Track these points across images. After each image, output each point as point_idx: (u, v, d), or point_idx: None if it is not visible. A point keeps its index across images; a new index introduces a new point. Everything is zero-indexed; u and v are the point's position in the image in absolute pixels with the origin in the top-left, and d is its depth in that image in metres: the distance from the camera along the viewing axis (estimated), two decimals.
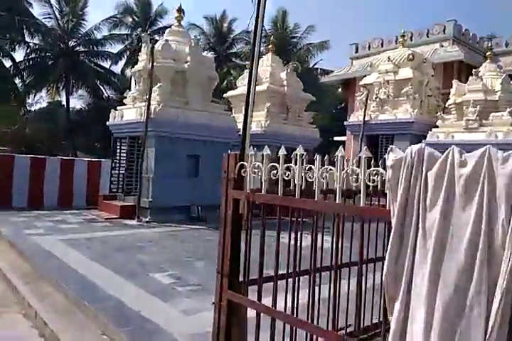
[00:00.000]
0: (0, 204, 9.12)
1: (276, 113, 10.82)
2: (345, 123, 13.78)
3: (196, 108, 9.07)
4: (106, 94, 34.25)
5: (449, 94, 13.39)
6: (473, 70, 11.15)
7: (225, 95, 11.66)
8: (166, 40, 8.93)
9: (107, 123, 9.91)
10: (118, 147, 9.52)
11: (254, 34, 2.66)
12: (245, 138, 2.70)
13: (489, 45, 11.87)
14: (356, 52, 17.95)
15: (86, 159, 11.07)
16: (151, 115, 8.30)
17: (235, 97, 11.54)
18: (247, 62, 11.51)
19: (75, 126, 33.39)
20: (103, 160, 11.17)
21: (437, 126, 12.01)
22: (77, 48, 31.96)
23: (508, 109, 10.30)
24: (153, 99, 8.55)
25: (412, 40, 15.82)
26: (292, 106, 11.10)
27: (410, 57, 12.33)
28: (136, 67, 9.47)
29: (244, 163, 2.38)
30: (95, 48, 32.83)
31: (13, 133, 29.20)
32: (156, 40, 8.59)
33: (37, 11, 30.26)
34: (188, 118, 8.81)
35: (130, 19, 35.14)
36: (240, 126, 3.13)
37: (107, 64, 34.27)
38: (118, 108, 9.82)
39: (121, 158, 9.51)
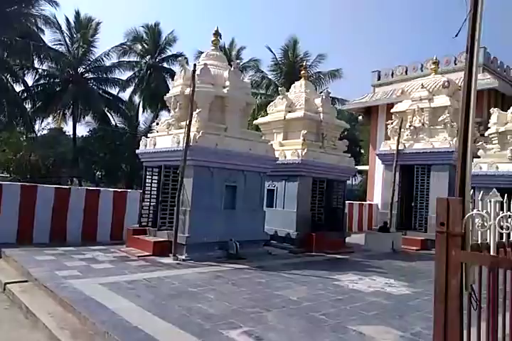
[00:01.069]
0: (20, 240, 8.41)
1: (312, 141, 10.28)
2: (376, 152, 13.27)
3: (235, 135, 8.54)
4: (113, 122, 34.05)
5: (481, 123, 13.00)
6: None
7: (255, 122, 11.15)
8: (205, 64, 8.49)
9: (137, 151, 9.33)
10: (149, 177, 8.88)
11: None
12: (465, 177, 2.07)
13: None
14: (379, 79, 17.74)
15: (111, 189, 10.40)
16: (191, 143, 7.72)
17: (266, 124, 11.04)
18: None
19: (80, 153, 32.94)
20: (129, 190, 10.50)
21: (476, 156, 11.50)
22: (86, 75, 31.98)
23: None
24: (191, 125, 8.00)
25: (438, 68, 15.59)
26: (327, 133, 10.60)
27: (446, 84, 11.99)
28: (171, 92, 8.99)
29: (477, 213, 1.75)
30: (104, 75, 32.85)
31: (18, 160, 28.64)
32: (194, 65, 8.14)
33: (48, 37, 30.40)
34: (226, 146, 8.25)
35: (139, 46, 35.45)
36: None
37: (114, 91, 34.23)
38: (149, 135, 9.28)
39: (152, 188, 8.86)
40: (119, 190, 10.15)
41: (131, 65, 34.61)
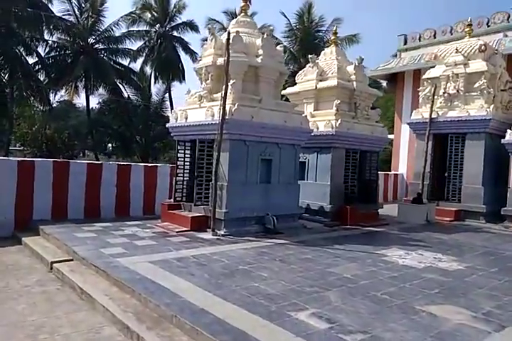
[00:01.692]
0: (55, 216, 8.35)
1: (345, 111, 9.88)
2: (407, 121, 12.82)
3: (269, 107, 8.18)
4: (126, 93, 33.55)
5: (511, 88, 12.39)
6: None
7: (283, 92, 10.73)
8: (237, 32, 8.00)
9: (168, 125, 9.04)
10: (181, 151, 8.64)
11: None
12: None
13: None
14: (405, 44, 16.91)
15: (142, 164, 10.22)
16: (226, 116, 7.41)
17: (295, 94, 10.61)
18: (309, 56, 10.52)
19: (94, 126, 32.73)
20: (159, 165, 10.31)
21: None
22: (97, 46, 31.24)
23: None
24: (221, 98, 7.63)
25: (472, 30, 14.76)
26: (361, 103, 10.16)
27: (482, 48, 11.33)
28: (201, 62, 8.56)
29: None
30: (114, 45, 32.03)
31: (34, 134, 28.55)
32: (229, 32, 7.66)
33: (56, 7, 29.52)
34: (262, 119, 7.92)
35: (149, 15, 34.34)
36: None
37: (125, 61, 33.52)
38: (179, 108, 8.94)
39: (185, 163, 8.65)
40: (150, 165, 9.96)
41: (141, 35, 33.67)
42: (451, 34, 15.46)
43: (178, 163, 8.63)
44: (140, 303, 4.26)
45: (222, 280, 4.83)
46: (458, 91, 11.48)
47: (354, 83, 10.04)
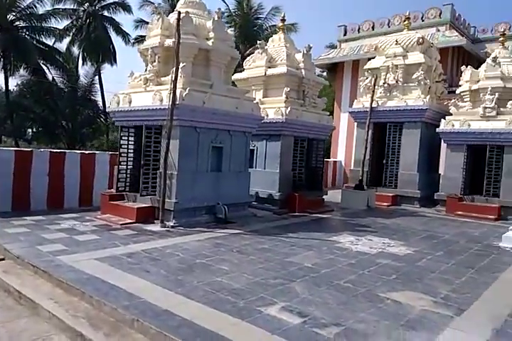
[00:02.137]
0: None
1: (293, 99, 9.80)
2: (348, 109, 13.09)
3: (221, 92, 7.84)
4: (50, 75, 30.94)
5: (445, 80, 13.15)
6: (491, 56, 10.84)
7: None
8: (187, 12, 7.50)
9: (108, 109, 8.38)
10: (125, 138, 8.03)
11: None
12: None
13: (503, 29, 11.60)
14: (345, 34, 17.21)
15: (78, 151, 9.37)
16: (177, 101, 6.96)
17: (243, 81, 10.32)
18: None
19: (14, 109, 29.95)
20: (97, 152, 9.54)
21: (446, 114, 11.70)
22: (18, 23, 28.33)
23: None
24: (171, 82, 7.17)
25: (410, 24, 15.36)
26: (309, 91, 10.14)
27: (420, 40, 11.80)
28: (147, 43, 7.95)
29: None
30: (38, 24, 29.25)
31: None
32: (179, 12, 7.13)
33: None
34: (213, 105, 7.57)
35: None
36: None
37: (50, 41, 30.85)
38: (121, 91, 8.26)
39: (129, 150, 8.06)
40: (87, 153, 9.17)
41: (68, 13, 31.10)
42: (389, 26, 16.00)
43: (122, 150, 8.02)
44: (92, 307, 3.84)
45: (181, 277, 4.53)
46: (397, 81, 11.90)
47: (303, 71, 9.98)
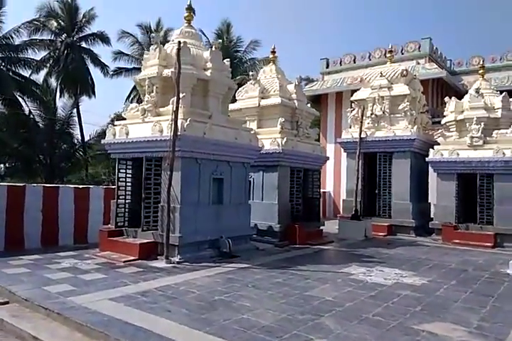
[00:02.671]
0: None
1: (288, 129, 9.92)
2: (337, 140, 13.33)
3: (220, 123, 7.85)
4: (26, 107, 30.49)
5: (427, 111, 13.68)
6: (474, 88, 11.38)
7: None
8: (185, 42, 7.59)
9: (104, 141, 8.19)
10: (122, 170, 7.85)
11: None
12: None
13: (477, 62, 12.27)
14: (327, 67, 17.82)
15: (72, 186, 9.06)
16: (178, 132, 6.91)
17: (237, 111, 10.40)
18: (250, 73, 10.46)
19: None
20: (91, 187, 9.26)
21: (433, 144, 12.08)
22: None
23: None
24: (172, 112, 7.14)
25: (386, 56, 16.08)
26: (302, 122, 10.31)
27: (404, 73, 12.33)
28: (144, 73, 7.96)
29: None
30: (14, 55, 29.05)
31: None
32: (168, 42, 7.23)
33: None
34: (214, 135, 7.55)
35: (55, 23, 31.90)
36: None
37: (27, 73, 30.59)
38: (118, 123, 8.16)
39: (127, 184, 7.86)
40: (81, 187, 8.89)
41: (46, 44, 31.09)
42: (370, 59, 16.71)
43: (120, 183, 7.81)
44: None
45: (205, 315, 4.31)
46: (384, 112, 12.28)
47: (295, 102, 10.18)
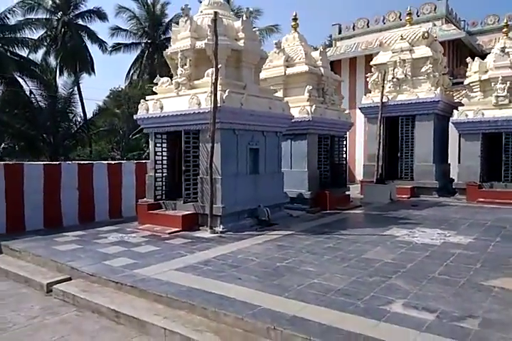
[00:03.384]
0: (10, 229, 7.01)
1: (315, 97, 9.76)
2: (358, 105, 13.16)
3: (254, 93, 7.70)
4: (27, 87, 29.94)
5: (446, 72, 13.41)
6: (499, 46, 11.11)
7: None
8: (216, 13, 7.31)
9: (136, 116, 8.05)
10: (159, 145, 7.77)
11: None
12: None
13: (506, 21, 11.92)
14: (340, 33, 17.34)
15: (105, 162, 9.00)
16: (218, 104, 6.78)
17: (262, 81, 10.12)
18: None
19: None
20: (123, 162, 9.20)
21: (454, 105, 11.93)
22: None
23: None
24: (210, 85, 6.97)
25: (400, 19, 15.63)
26: (328, 88, 10.12)
27: (425, 35, 12.00)
28: (175, 46, 7.71)
29: None
30: (11, 35, 28.24)
31: None
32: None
33: None
34: (250, 106, 7.42)
35: (49, 2, 30.83)
36: None
37: (25, 52, 29.87)
38: (150, 97, 8.00)
39: (163, 157, 7.81)
40: (113, 163, 8.83)
41: (42, 23, 30.16)
42: (384, 23, 16.24)
43: (156, 157, 7.75)
44: (208, 319, 3.64)
45: (276, 281, 4.37)
46: (406, 75, 12.05)
47: (321, 69, 9.96)
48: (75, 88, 32.52)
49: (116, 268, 4.92)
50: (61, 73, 31.94)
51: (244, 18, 7.77)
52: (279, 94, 9.87)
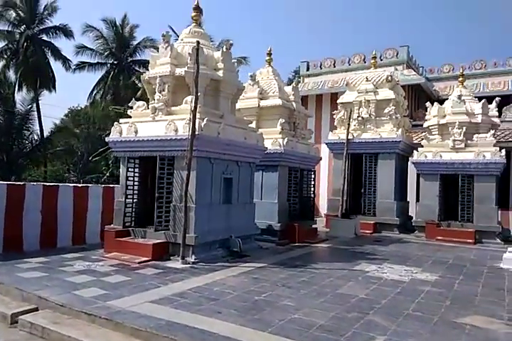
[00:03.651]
0: None
1: (287, 130, 10.04)
2: (325, 141, 13.62)
3: (231, 123, 7.84)
4: None
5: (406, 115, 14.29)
6: (456, 94, 12.01)
7: None
8: (198, 42, 7.48)
9: (108, 139, 7.91)
10: (131, 169, 7.63)
11: None
12: None
13: (462, 71, 13.00)
14: (307, 70, 18.12)
15: (71, 184, 8.65)
16: (196, 131, 6.84)
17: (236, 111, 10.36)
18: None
19: None
20: (90, 185, 8.87)
21: (413, 146, 12.68)
22: None
23: (492, 132, 11.34)
24: (188, 112, 7.06)
25: (365, 62, 16.63)
26: (299, 123, 10.47)
27: (389, 78, 12.80)
28: (154, 71, 7.76)
29: None
30: None
31: None
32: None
33: None
34: (226, 136, 7.52)
35: (13, 14, 30.20)
36: None
37: None
38: (124, 120, 7.92)
39: (135, 183, 7.65)
40: (80, 186, 8.51)
41: (3, 35, 29.37)
42: (349, 64, 17.19)
43: (128, 182, 7.58)
44: None
45: (258, 316, 4.33)
46: (370, 115, 12.70)
47: (293, 103, 10.31)
48: (34, 104, 31.48)
49: (87, 298, 4.68)
50: (20, 88, 30.90)
51: (225, 50, 8.01)
52: (252, 125, 10.09)
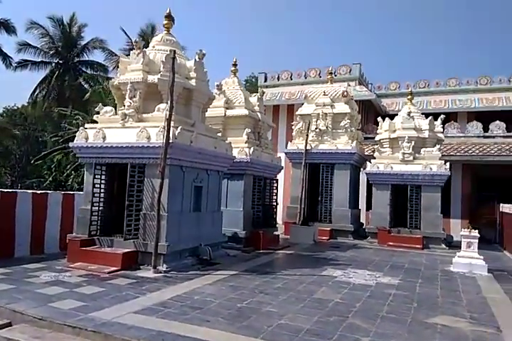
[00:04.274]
0: None
1: (252, 139, 10.24)
2: (284, 150, 13.97)
3: (202, 132, 7.88)
4: None
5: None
6: (405, 111, 12.87)
7: None
8: (174, 51, 7.47)
9: (72, 144, 7.63)
10: (98, 176, 7.40)
11: None
12: None
13: (410, 90, 13.96)
14: (265, 81, 18.51)
15: (29, 191, 8.13)
16: (170, 139, 6.82)
17: None
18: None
19: None
20: (50, 192, 8.42)
21: (366, 157, 13.39)
22: None
23: (438, 146, 12.28)
24: (161, 119, 7.05)
25: (320, 77, 17.32)
26: (263, 133, 10.71)
27: (345, 93, 13.47)
28: (125, 77, 7.62)
29: None
30: None
31: None
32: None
33: None
34: (198, 144, 7.56)
35: None
36: None
37: None
38: (91, 126, 7.69)
39: (101, 190, 7.43)
40: (39, 192, 8.06)
41: None
42: (305, 78, 17.83)
43: (94, 190, 7.34)
44: None
45: (246, 323, 4.42)
46: (327, 127, 13.26)
47: (258, 114, 10.54)
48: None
49: (66, 311, 4.51)
50: None
51: (197, 59, 8.06)
52: (218, 134, 10.18)
